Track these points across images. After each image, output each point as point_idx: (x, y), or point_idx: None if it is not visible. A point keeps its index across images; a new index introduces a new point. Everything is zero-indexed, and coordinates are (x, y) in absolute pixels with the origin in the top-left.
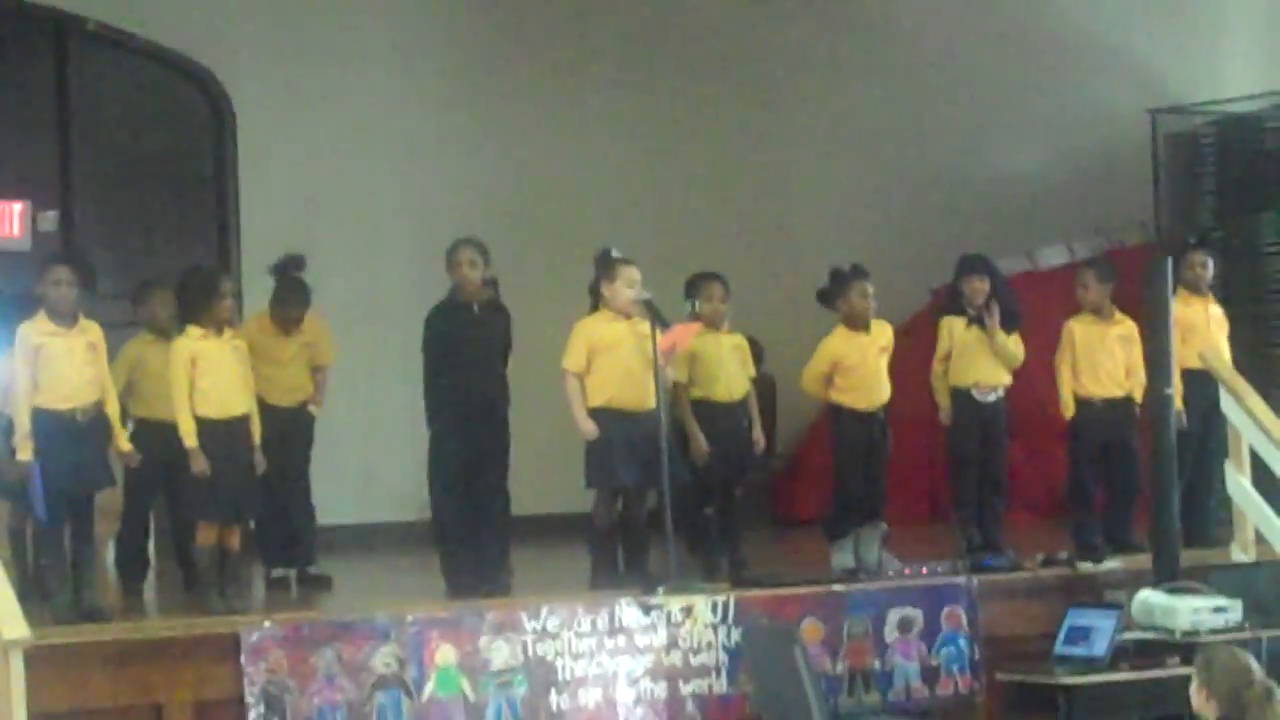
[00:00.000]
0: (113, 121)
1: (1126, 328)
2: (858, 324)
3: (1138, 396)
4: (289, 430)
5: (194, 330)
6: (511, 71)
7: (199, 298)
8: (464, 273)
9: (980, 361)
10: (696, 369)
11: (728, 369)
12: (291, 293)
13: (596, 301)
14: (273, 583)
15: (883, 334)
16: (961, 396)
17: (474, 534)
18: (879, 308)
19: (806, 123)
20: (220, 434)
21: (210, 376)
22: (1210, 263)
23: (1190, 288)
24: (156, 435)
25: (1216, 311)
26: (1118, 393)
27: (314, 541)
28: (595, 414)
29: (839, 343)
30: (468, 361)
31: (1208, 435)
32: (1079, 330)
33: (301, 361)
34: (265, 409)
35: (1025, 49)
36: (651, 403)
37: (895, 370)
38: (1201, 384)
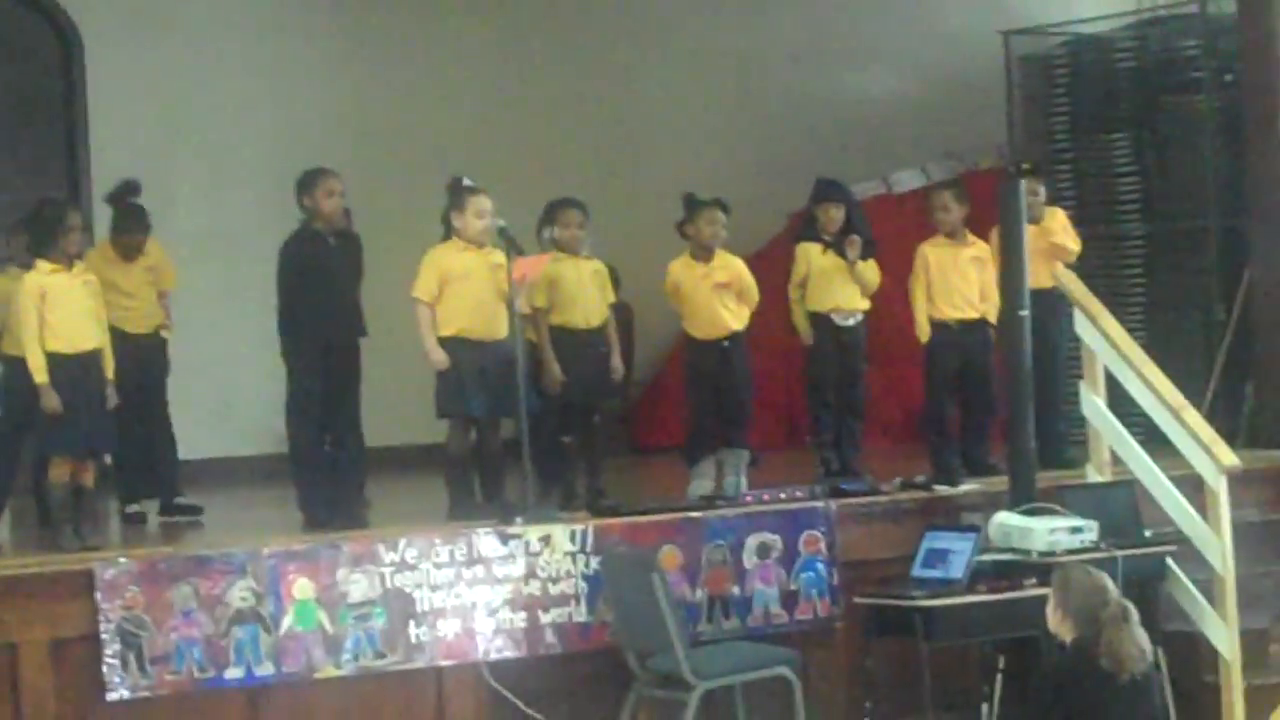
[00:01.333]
0: None
1: (979, 249)
2: (701, 254)
3: (992, 318)
4: (145, 358)
5: (43, 264)
6: None
7: (46, 231)
8: (325, 203)
9: (838, 287)
10: (556, 295)
11: (587, 295)
12: (129, 219)
13: (449, 230)
14: (129, 517)
15: (725, 268)
16: (820, 322)
17: (331, 466)
18: (734, 233)
19: (660, 47)
20: (71, 369)
21: (60, 311)
22: (1041, 189)
23: None
24: (23, 371)
25: (1050, 226)
26: (972, 315)
27: (177, 470)
28: (445, 343)
29: (678, 269)
30: (324, 292)
31: (1052, 356)
32: (932, 254)
33: (148, 287)
34: (120, 339)
35: None
36: (503, 332)
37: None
38: (1044, 305)
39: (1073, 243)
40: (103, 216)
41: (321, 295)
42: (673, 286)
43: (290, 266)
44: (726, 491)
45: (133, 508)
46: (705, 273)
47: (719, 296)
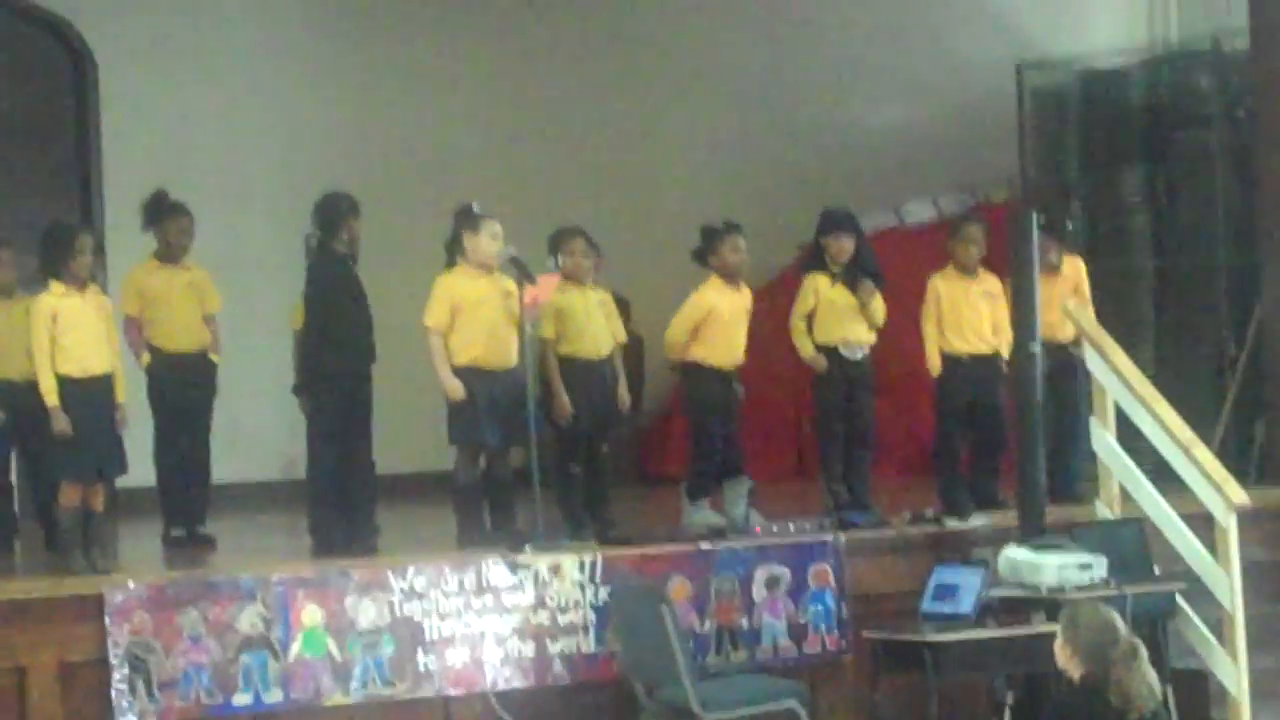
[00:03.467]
0: None
1: (991, 284)
2: (730, 279)
3: (1004, 353)
4: (188, 380)
5: (56, 287)
6: (374, 21)
7: (56, 253)
8: (354, 228)
9: (846, 319)
10: (563, 325)
11: (594, 324)
12: (171, 211)
13: (453, 257)
14: (173, 541)
15: (748, 295)
16: (827, 354)
17: (344, 493)
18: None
19: (672, 77)
20: (82, 392)
21: (72, 334)
22: (1053, 248)
23: None
24: (14, 394)
25: (1068, 275)
26: (984, 349)
27: (205, 499)
28: (459, 373)
29: (713, 294)
30: (353, 317)
31: (1066, 392)
32: (943, 287)
33: (191, 302)
34: (164, 358)
35: (892, 1)
36: (514, 360)
37: (762, 327)
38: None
39: (1085, 293)
40: (114, 239)
41: (349, 319)
42: (705, 311)
43: (324, 290)
44: (736, 522)
45: (176, 531)
46: (739, 297)
47: (745, 323)
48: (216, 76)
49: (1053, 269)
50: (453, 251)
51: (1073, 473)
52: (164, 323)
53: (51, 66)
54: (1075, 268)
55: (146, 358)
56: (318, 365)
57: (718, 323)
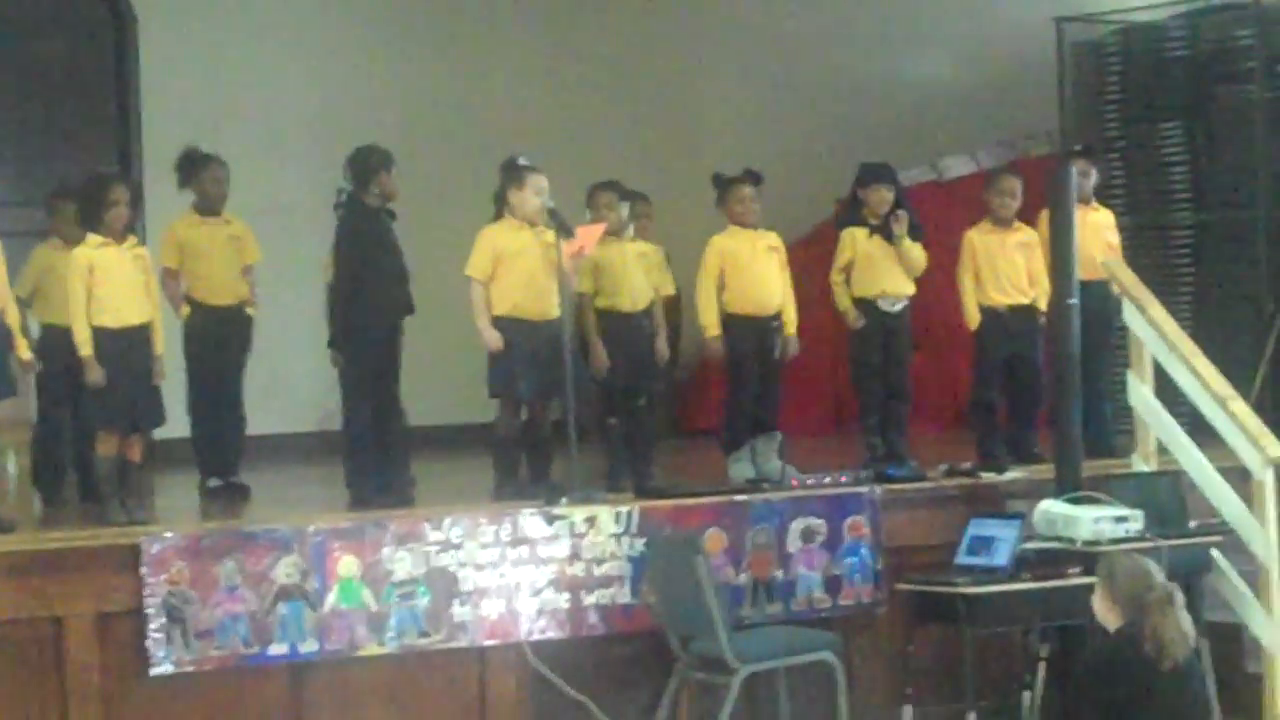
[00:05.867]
0: (11, 28)
1: (1026, 234)
2: (745, 227)
3: (1042, 305)
4: (225, 332)
5: (93, 238)
6: None
7: (91, 205)
8: (394, 184)
9: (884, 272)
10: (601, 278)
11: (632, 278)
12: (204, 162)
13: (501, 210)
14: (209, 491)
15: (770, 235)
16: (866, 307)
17: (380, 445)
18: (783, 217)
19: (714, 31)
20: (117, 343)
21: (107, 285)
22: (1093, 171)
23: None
24: (64, 341)
25: (1097, 219)
26: (1022, 301)
27: (239, 450)
28: (498, 323)
29: (724, 238)
30: (386, 267)
31: (1101, 345)
32: (979, 240)
33: (230, 255)
34: (203, 310)
35: None
36: (554, 312)
37: (799, 281)
38: (1094, 294)
39: (1116, 240)
40: (153, 191)
41: (381, 272)
42: (719, 255)
43: (354, 243)
44: (770, 475)
45: (213, 482)
46: (754, 236)
47: (770, 264)
48: (255, 30)
49: (1084, 200)
50: (500, 204)
51: (1105, 423)
52: (203, 276)
53: (92, 22)
54: (1104, 216)
55: (186, 310)
56: (349, 319)
57: (737, 267)
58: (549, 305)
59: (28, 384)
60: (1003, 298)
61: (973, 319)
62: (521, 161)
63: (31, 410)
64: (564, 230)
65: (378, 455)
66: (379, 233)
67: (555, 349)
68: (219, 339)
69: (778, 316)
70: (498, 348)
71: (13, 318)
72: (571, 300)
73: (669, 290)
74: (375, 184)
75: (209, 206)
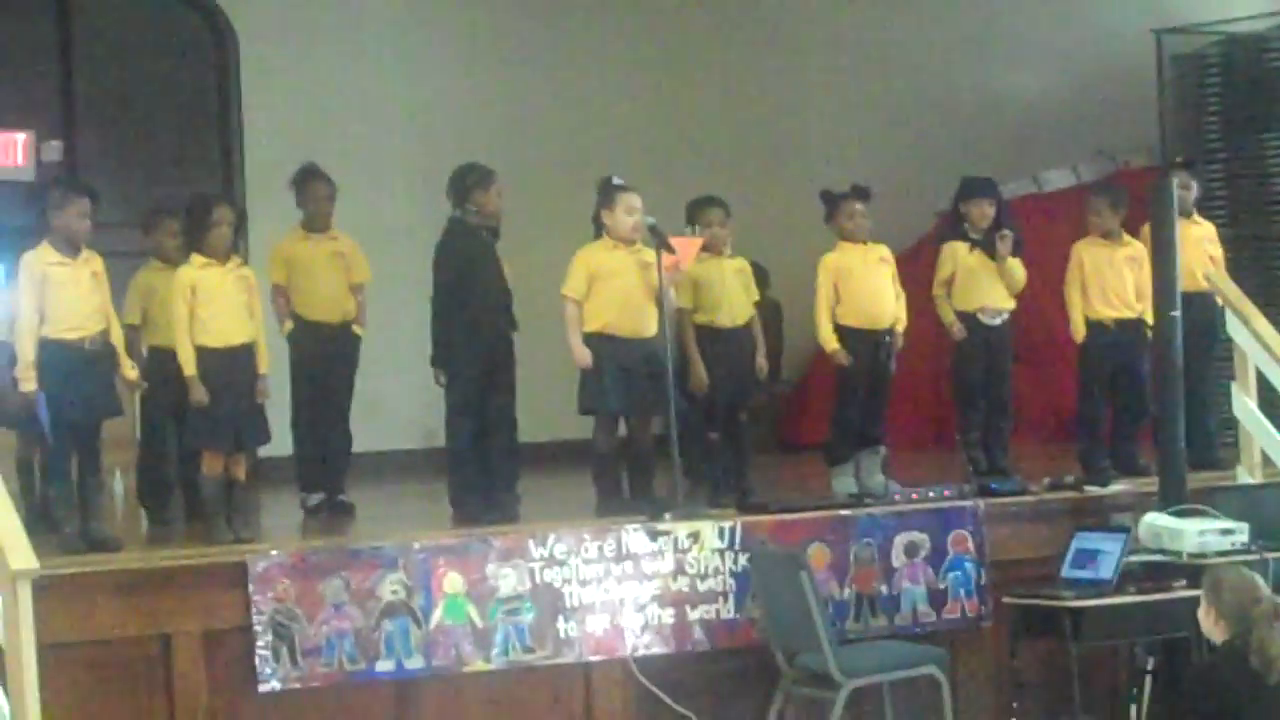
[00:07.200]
0: (116, 50)
1: (1134, 249)
2: (855, 243)
3: (1148, 318)
4: (331, 351)
5: (196, 259)
6: None
7: (195, 226)
8: (495, 202)
9: (985, 286)
10: (700, 295)
11: (731, 294)
12: (311, 177)
13: (599, 230)
14: (313, 510)
15: (880, 248)
16: (967, 320)
17: (483, 461)
18: (884, 231)
19: (811, 44)
20: (221, 362)
21: (210, 305)
22: (1194, 184)
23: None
24: (171, 362)
25: (1198, 232)
26: (1129, 314)
27: (345, 468)
28: (589, 340)
29: (835, 255)
30: (483, 286)
31: (1203, 357)
32: (1087, 253)
33: (336, 271)
34: (308, 327)
35: None
36: (649, 331)
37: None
38: (1197, 306)
39: (1218, 252)
40: (254, 211)
41: (480, 290)
42: (833, 272)
43: (450, 261)
44: (874, 489)
45: (314, 499)
46: (865, 250)
47: (883, 276)
48: (356, 50)
49: (1185, 214)
50: (598, 224)
51: (1208, 435)
52: (309, 292)
53: (194, 42)
54: (1205, 229)
55: (289, 325)
56: (449, 337)
57: (850, 282)
58: (643, 323)
59: (133, 404)
60: (1109, 311)
61: (1079, 332)
62: (614, 181)
63: (137, 430)
64: (663, 245)
65: (482, 472)
66: (477, 251)
67: (651, 366)
68: (324, 356)
69: (890, 331)
70: (587, 364)
71: (117, 337)
72: (672, 317)
73: (754, 297)
74: (473, 202)
75: (315, 224)
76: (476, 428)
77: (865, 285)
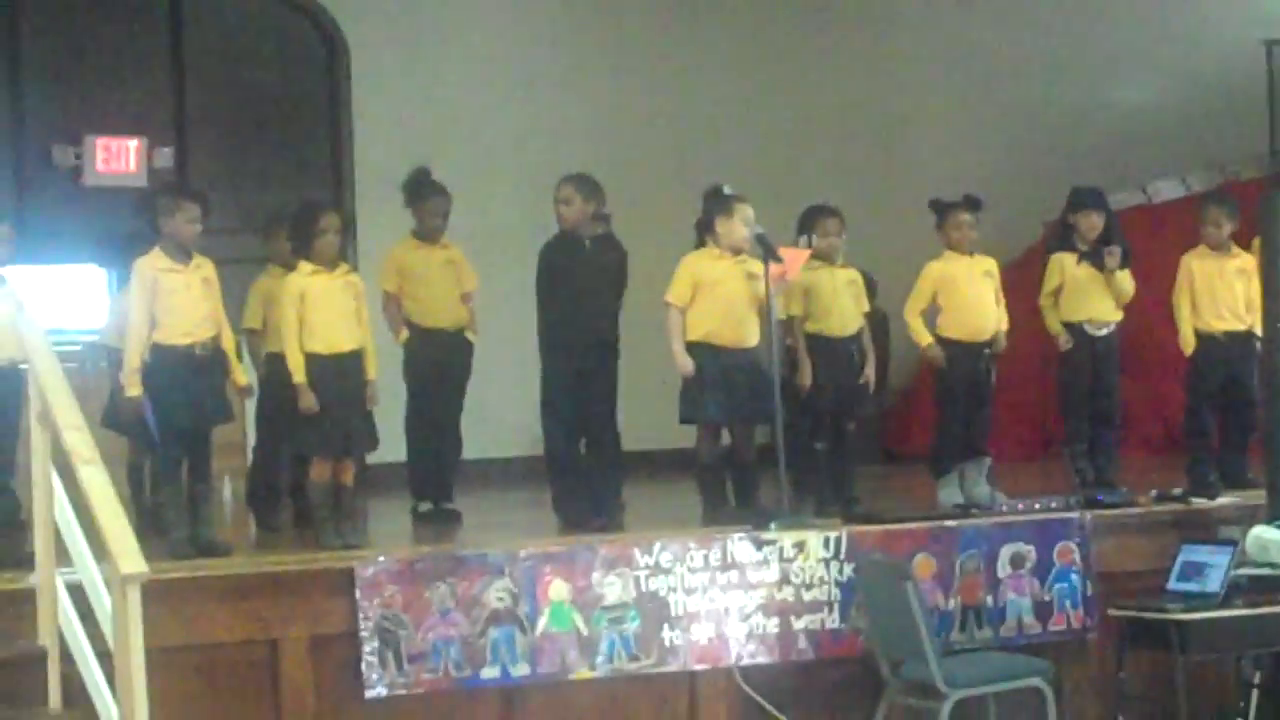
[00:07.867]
0: (227, 57)
1: (1245, 261)
2: (961, 253)
3: (1259, 330)
4: (445, 358)
5: (305, 266)
6: (623, 5)
7: (302, 234)
8: (559, 210)
9: (1092, 298)
10: (811, 303)
11: (841, 303)
12: (430, 190)
13: (702, 237)
14: (421, 517)
15: (986, 260)
16: (1074, 331)
17: (586, 469)
18: (992, 241)
19: (919, 54)
20: (330, 369)
21: (318, 312)
22: None
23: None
24: (280, 368)
25: None
26: (1239, 326)
27: (453, 475)
28: (691, 348)
29: (940, 264)
30: (578, 295)
31: None
32: (1197, 265)
33: (448, 279)
34: (422, 334)
35: None
36: (751, 341)
37: (1007, 304)
38: None
39: None
40: (364, 218)
41: (574, 299)
42: (934, 281)
43: (546, 269)
44: (979, 500)
45: (424, 506)
46: (971, 263)
47: (986, 289)
48: (466, 58)
49: None
50: (702, 231)
51: None
52: (422, 299)
53: (305, 50)
54: None
55: (404, 334)
56: (546, 343)
57: (954, 292)
58: (746, 333)
59: (244, 409)
60: (1219, 323)
61: (1188, 344)
62: (727, 190)
63: (248, 435)
64: (771, 255)
65: (585, 479)
66: (572, 259)
67: (753, 375)
68: (437, 363)
69: (991, 343)
70: (688, 372)
71: (229, 343)
72: (776, 328)
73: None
74: (557, 212)
75: (428, 235)
76: (568, 430)
77: (969, 297)
